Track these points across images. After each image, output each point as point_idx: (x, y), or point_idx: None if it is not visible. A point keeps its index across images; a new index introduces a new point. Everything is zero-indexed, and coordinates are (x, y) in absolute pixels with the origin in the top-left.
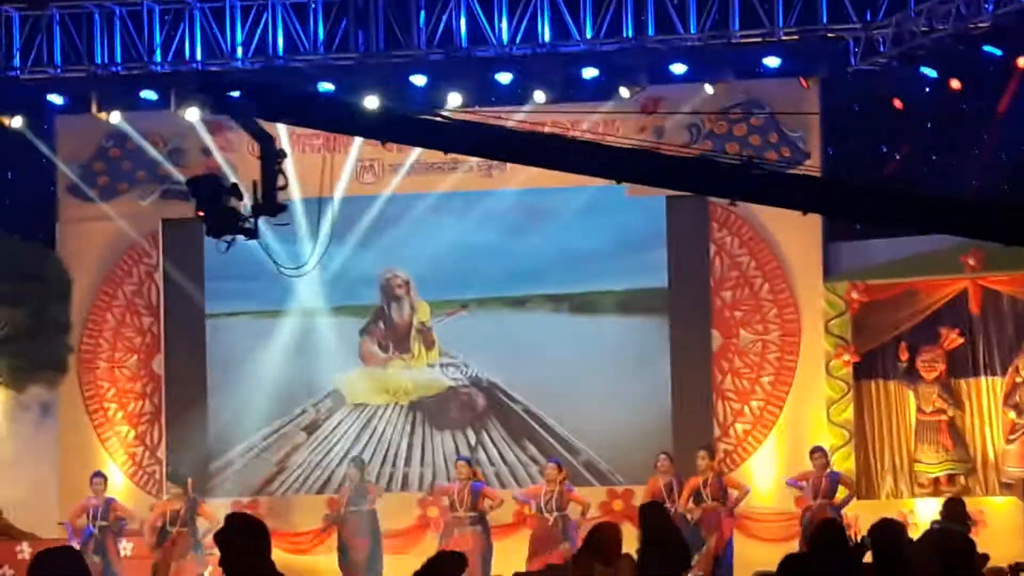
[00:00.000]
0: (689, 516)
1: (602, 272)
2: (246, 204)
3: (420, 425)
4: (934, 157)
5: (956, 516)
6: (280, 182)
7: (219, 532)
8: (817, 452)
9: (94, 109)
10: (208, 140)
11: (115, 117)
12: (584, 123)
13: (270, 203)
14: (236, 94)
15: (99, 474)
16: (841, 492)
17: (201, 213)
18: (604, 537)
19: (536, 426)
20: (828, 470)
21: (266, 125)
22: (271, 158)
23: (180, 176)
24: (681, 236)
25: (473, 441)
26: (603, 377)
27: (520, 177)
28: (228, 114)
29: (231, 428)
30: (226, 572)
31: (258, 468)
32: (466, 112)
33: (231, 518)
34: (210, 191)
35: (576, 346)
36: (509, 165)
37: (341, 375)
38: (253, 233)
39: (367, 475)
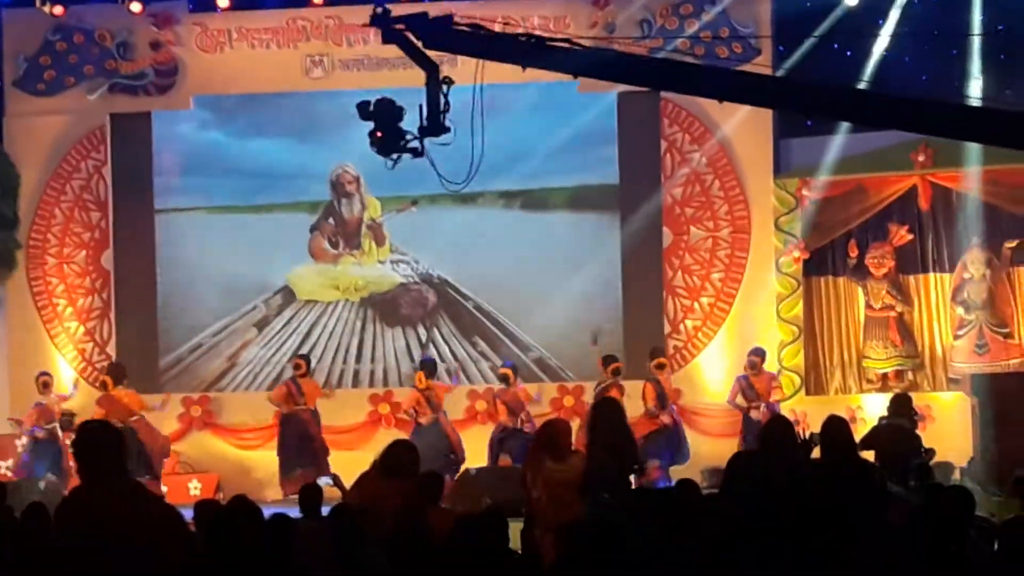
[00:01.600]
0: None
1: (553, 168)
2: None
3: (371, 322)
4: (886, 54)
5: (903, 411)
6: (443, 106)
7: (74, 442)
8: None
9: (38, 2)
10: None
11: (59, 10)
12: (535, 18)
13: (435, 125)
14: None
15: (45, 373)
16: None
17: (380, 134)
18: (555, 433)
19: (487, 322)
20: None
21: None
22: (436, 85)
23: (127, 70)
24: (632, 132)
25: (424, 338)
26: (554, 274)
27: (471, 72)
28: (395, 43)
29: (181, 324)
30: (82, 479)
31: (208, 364)
32: (415, 5)
33: (83, 427)
34: (388, 114)
35: (527, 242)
36: (460, 60)
37: (292, 271)
38: (420, 152)
39: (310, 373)
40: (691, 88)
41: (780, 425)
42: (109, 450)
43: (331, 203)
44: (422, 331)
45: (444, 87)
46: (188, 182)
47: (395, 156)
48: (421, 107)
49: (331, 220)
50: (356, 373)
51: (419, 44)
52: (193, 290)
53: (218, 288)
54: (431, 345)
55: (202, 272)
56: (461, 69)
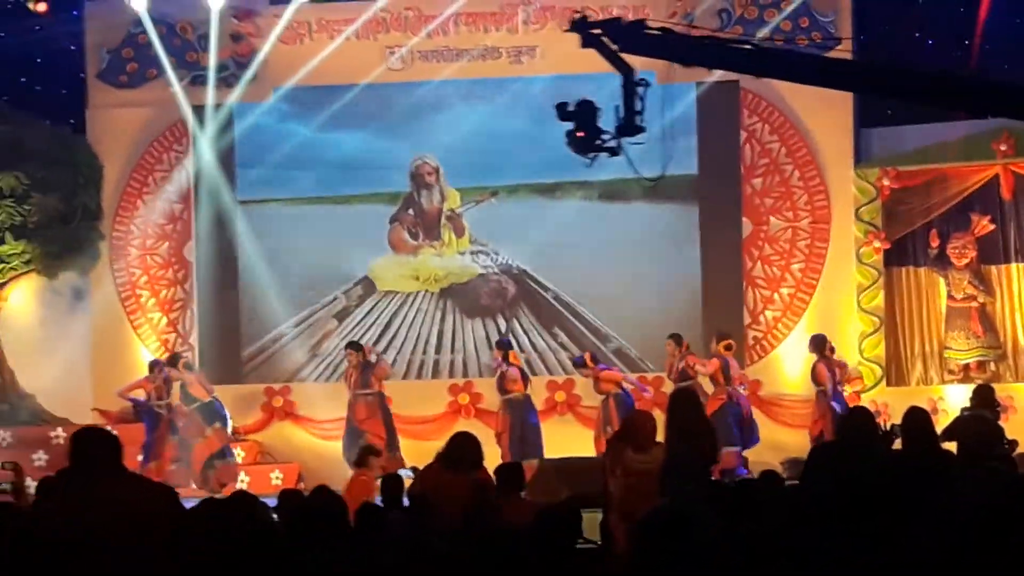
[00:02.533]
0: None
1: (633, 159)
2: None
3: (450, 313)
4: (967, 42)
5: (986, 402)
6: (638, 107)
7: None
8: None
9: None
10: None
11: (142, 3)
12: (614, 8)
13: (631, 125)
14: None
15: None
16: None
17: (581, 134)
18: (637, 425)
19: (566, 313)
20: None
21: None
22: (632, 87)
23: (207, 63)
24: (712, 123)
25: (503, 328)
26: (633, 264)
27: (550, 63)
28: (593, 48)
29: (262, 315)
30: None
31: (290, 355)
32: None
33: (77, 435)
34: (587, 114)
35: (606, 233)
36: (539, 50)
37: (372, 262)
38: (616, 151)
39: (370, 357)
40: (897, 93)
41: (861, 416)
42: (103, 450)
43: (411, 194)
44: (502, 322)
45: (639, 89)
46: (268, 174)
47: (592, 155)
48: (617, 107)
49: (411, 211)
50: (436, 363)
51: (614, 48)
52: (274, 281)
53: (299, 279)
54: (510, 335)
55: (283, 263)
56: (540, 61)
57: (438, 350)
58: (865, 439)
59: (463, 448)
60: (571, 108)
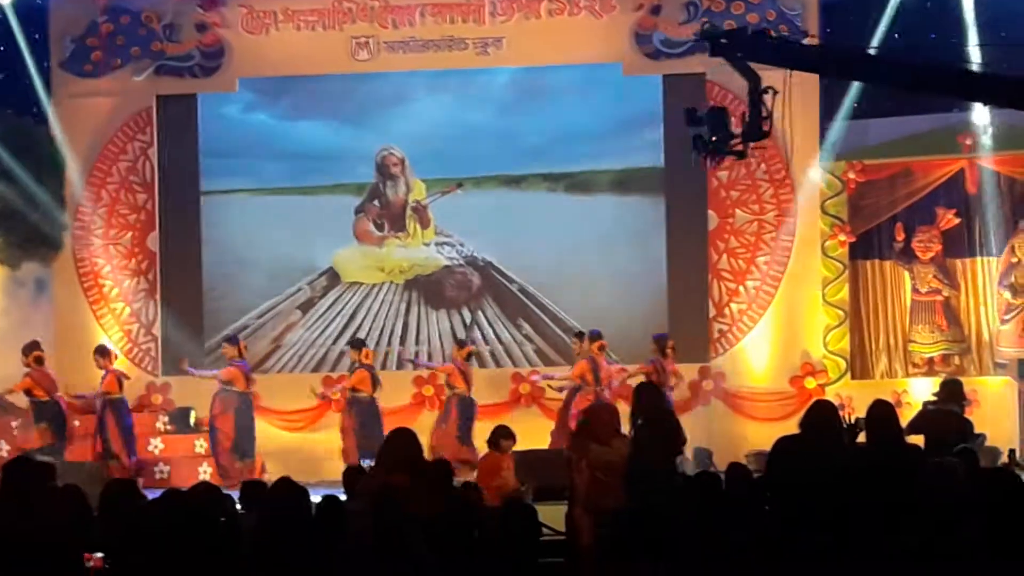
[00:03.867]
0: None
1: (598, 151)
2: None
3: (415, 304)
4: (932, 35)
5: (953, 396)
6: (763, 113)
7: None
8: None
9: None
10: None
11: None
12: (581, 0)
13: (756, 130)
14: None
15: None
16: None
17: (714, 139)
18: (600, 416)
19: (531, 305)
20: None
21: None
22: (757, 93)
23: (174, 52)
24: (678, 115)
25: (468, 320)
26: (599, 256)
27: (516, 55)
28: (722, 56)
29: (226, 306)
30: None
31: (253, 345)
32: None
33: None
34: (718, 120)
35: (572, 225)
36: (506, 41)
37: (336, 253)
38: (743, 154)
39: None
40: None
41: (826, 409)
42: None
43: (376, 185)
44: (467, 313)
45: (766, 95)
46: (233, 164)
47: (718, 159)
48: (744, 114)
49: (376, 202)
50: (400, 355)
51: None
52: (238, 272)
53: (263, 270)
54: (475, 327)
55: (247, 254)
56: (506, 52)
57: (403, 341)
58: (830, 432)
59: (394, 449)
60: (701, 114)
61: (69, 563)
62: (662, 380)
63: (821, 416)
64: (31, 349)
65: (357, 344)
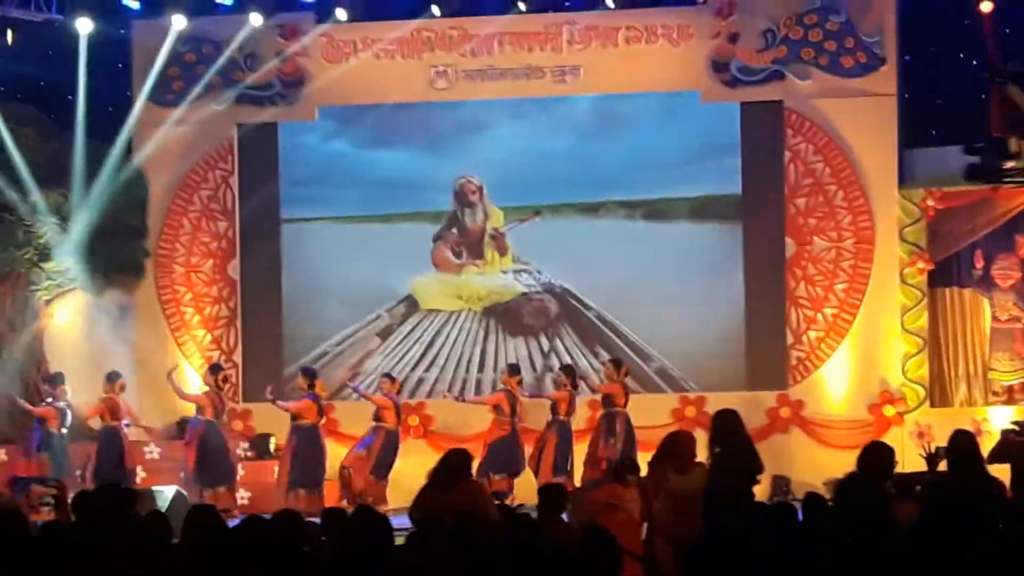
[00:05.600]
0: None
1: (676, 178)
2: None
3: (493, 332)
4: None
5: None
6: None
7: None
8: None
9: (169, 14)
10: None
11: (180, 22)
12: (658, 27)
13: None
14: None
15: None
16: None
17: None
18: (679, 445)
19: (609, 332)
20: None
21: None
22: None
23: (254, 81)
24: (755, 142)
25: (546, 347)
26: (676, 284)
27: (594, 83)
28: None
29: (306, 333)
30: None
31: (332, 373)
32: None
33: None
34: (1002, 151)
35: (649, 253)
36: (583, 69)
37: (415, 281)
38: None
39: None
40: None
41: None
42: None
43: (454, 213)
44: (544, 341)
45: None
46: (313, 192)
47: (993, 184)
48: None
49: (454, 230)
50: (478, 382)
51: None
52: (318, 299)
53: (342, 297)
54: (553, 355)
55: (327, 281)
56: (584, 80)
57: (480, 369)
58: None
59: (447, 466)
60: (980, 144)
61: None
62: (569, 411)
63: (872, 457)
64: (114, 378)
65: (309, 373)
